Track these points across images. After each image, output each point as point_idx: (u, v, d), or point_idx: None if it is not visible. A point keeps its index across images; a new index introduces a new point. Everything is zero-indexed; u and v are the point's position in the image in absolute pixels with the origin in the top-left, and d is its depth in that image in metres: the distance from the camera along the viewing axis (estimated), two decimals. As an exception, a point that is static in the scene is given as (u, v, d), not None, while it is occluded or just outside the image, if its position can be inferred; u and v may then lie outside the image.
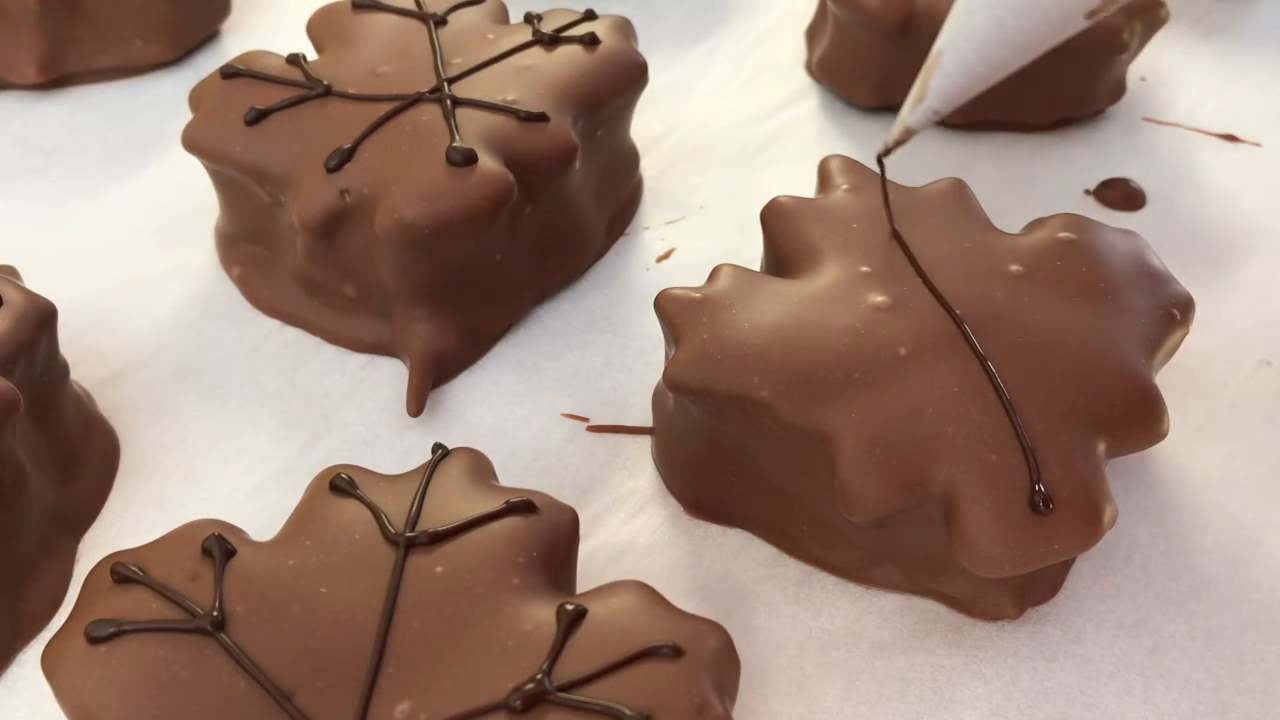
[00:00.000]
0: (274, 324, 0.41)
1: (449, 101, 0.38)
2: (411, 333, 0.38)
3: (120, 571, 0.27)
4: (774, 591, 0.34)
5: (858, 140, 0.49)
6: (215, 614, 0.27)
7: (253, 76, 0.39)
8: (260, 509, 0.35)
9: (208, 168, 0.40)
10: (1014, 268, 0.34)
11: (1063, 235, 0.35)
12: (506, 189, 0.36)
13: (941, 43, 0.33)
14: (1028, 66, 0.46)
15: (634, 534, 0.35)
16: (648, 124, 0.48)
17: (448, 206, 0.35)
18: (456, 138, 0.37)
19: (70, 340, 0.36)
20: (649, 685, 0.25)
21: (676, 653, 0.26)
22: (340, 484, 0.30)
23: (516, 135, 0.37)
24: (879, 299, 0.33)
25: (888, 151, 0.35)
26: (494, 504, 0.29)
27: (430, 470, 0.30)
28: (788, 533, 0.34)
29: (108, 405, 0.38)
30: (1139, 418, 0.31)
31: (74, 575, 0.34)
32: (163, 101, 0.50)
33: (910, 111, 0.34)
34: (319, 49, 0.42)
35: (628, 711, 0.25)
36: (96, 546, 0.35)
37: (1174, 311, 0.33)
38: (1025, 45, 0.32)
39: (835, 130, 0.49)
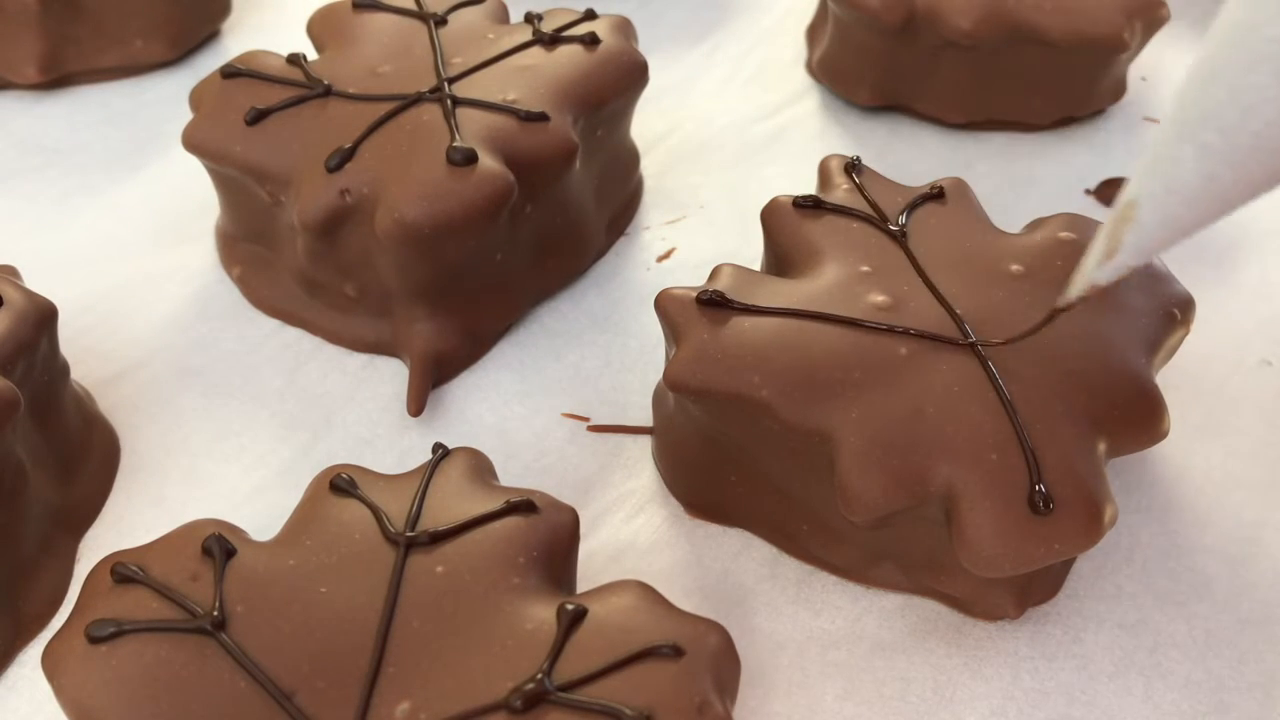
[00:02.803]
0: (274, 324, 0.41)
1: (449, 101, 0.38)
2: (412, 332, 0.38)
3: (120, 571, 0.27)
4: (774, 591, 0.34)
5: (858, 140, 0.49)
6: (215, 614, 0.27)
7: (253, 76, 0.39)
8: (261, 509, 0.35)
9: (208, 167, 0.40)
10: (1014, 267, 0.34)
11: (1063, 235, 0.35)
12: (507, 189, 0.36)
13: (1134, 192, 0.28)
14: (1027, 67, 0.47)
15: (634, 534, 0.35)
16: (648, 124, 0.48)
17: (448, 206, 0.35)
18: (457, 137, 0.37)
19: (70, 340, 0.36)
20: (649, 685, 0.25)
21: (677, 652, 0.26)
22: (340, 484, 0.30)
23: (517, 135, 0.37)
24: (879, 299, 0.33)
25: (1067, 308, 0.30)
26: (494, 504, 0.29)
27: (430, 470, 0.30)
28: (788, 532, 0.34)
29: (108, 405, 0.38)
30: (1139, 418, 0.31)
31: (74, 575, 0.34)
32: (163, 101, 0.50)
33: (1096, 267, 0.29)
34: (319, 49, 0.42)
35: (628, 711, 0.25)
36: (97, 546, 0.35)
37: (1174, 311, 0.33)
38: (1240, 199, 0.27)
39: (835, 130, 0.49)
